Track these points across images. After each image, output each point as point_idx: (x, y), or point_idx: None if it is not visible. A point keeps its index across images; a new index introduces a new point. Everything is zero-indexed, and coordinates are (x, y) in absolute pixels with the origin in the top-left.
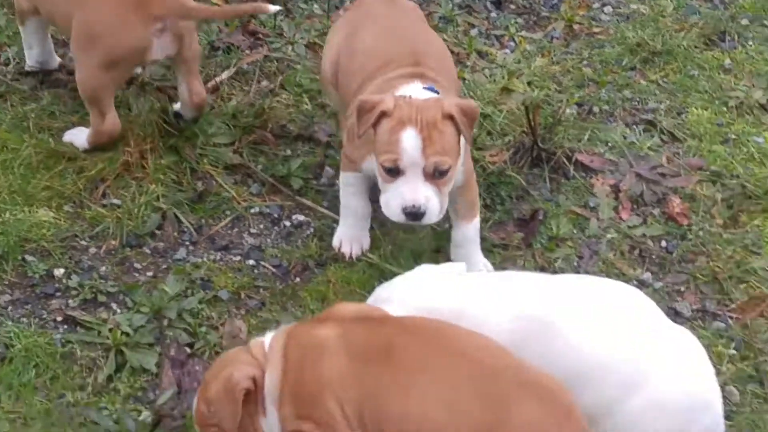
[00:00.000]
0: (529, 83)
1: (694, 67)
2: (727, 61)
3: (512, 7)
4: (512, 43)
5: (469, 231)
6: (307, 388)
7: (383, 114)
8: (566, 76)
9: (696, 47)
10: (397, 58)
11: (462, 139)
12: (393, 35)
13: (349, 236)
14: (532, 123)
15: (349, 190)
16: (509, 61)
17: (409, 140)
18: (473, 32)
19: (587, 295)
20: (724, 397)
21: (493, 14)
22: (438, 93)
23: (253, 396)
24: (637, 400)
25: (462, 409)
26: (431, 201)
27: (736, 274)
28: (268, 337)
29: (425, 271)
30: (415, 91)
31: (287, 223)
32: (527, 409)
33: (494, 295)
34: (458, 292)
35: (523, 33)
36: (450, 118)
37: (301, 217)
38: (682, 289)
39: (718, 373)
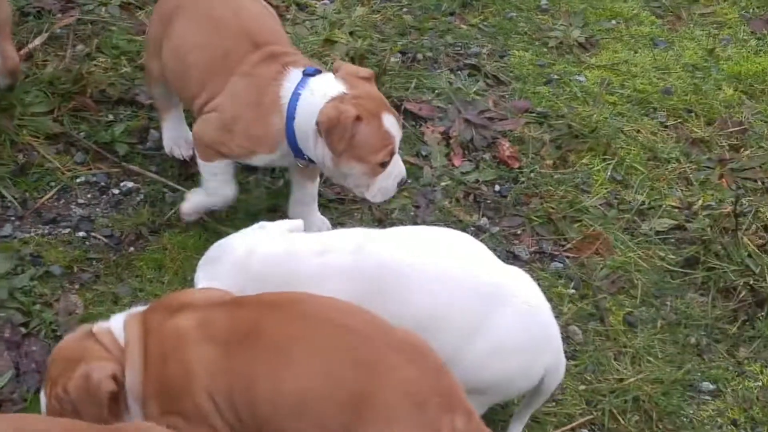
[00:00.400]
0: (351, 33)
1: (512, 9)
2: (544, 1)
3: None
4: None
5: (312, 189)
6: (172, 383)
7: (358, 119)
8: (387, 24)
9: None
10: (234, 47)
11: None
12: (212, 21)
13: None
14: None
15: (218, 179)
16: (329, 11)
17: (392, 124)
18: None
19: (421, 245)
20: (568, 337)
21: None
22: (318, 69)
23: (115, 394)
24: (479, 345)
25: (337, 378)
26: None
27: (569, 213)
28: (115, 324)
29: (264, 228)
30: (309, 80)
31: (116, 191)
32: (401, 371)
33: (331, 250)
34: (291, 251)
35: None
36: (370, 80)
37: (130, 184)
38: (519, 232)
39: (560, 313)
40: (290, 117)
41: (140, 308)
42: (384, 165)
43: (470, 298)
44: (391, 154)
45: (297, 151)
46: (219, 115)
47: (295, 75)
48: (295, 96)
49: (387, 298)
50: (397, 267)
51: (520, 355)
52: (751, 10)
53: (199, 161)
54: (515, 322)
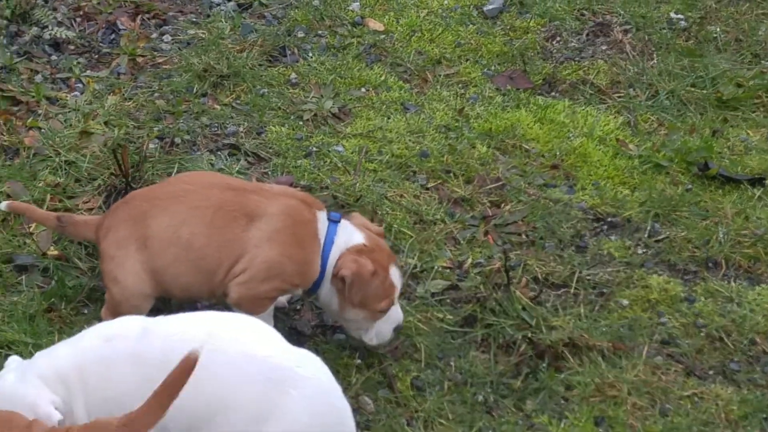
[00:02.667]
0: (106, 123)
1: (264, 85)
2: (293, 75)
3: (71, 47)
4: (80, 85)
5: None
6: None
7: (374, 274)
8: (141, 110)
9: (261, 65)
10: (230, 222)
11: None
12: (191, 214)
13: None
14: (122, 164)
15: (265, 319)
16: (81, 103)
17: (397, 276)
18: (38, 78)
19: (208, 329)
20: (360, 408)
21: (54, 57)
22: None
23: None
24: (271, 430)
25: None
26: None
27: None
28: None
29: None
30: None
31: None
32: None
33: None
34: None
35: (89, 72)
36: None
37: None
38: (298, 306)
39: (349, 384)
40: (324, 257)
41: None
42: (383, 312)
43: (259, 382)
44: (391, 302)
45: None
46: (261, 265)
47: (323, 217)
48: (329, 239)
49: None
50: (182, 353)
51: None
52: (492, 68)
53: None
54: (306, 406)
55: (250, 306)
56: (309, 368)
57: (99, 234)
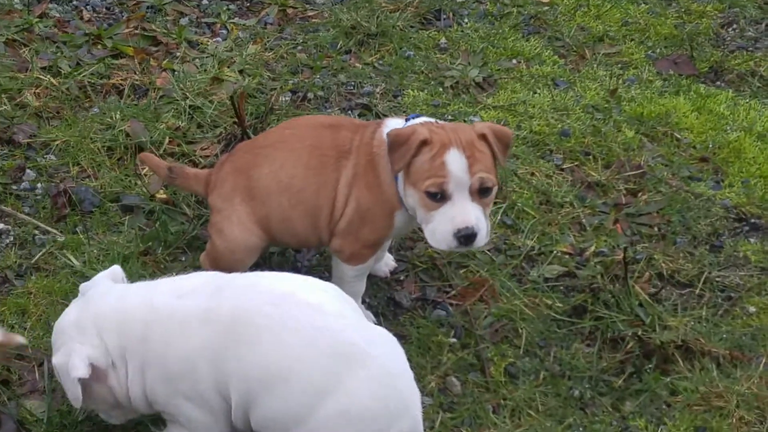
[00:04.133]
0: (241, 71)
1: (410, 47)
2: (443, 40)
3: None
4: (224, 31)
5: None
6: None
7: (423, 143)
8: (280, 62)
9: (411, 27)
10: (324, 162)
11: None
12: (289, 157)
13: None
14: (239, 113)
15: (360, 279)
16: (221, 49)
17: (455, 161)
18: (183, 21)
19: (281, 294)
20: (446, 388)
21: (205, 2)
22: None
23: None
24: (327, 408)
25: None
26: (481, 221)
27: (455, 259)
28: None
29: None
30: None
31: None
32: None
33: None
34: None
35: (236, 20)
36: (484, 138)
37: (1, 225)
38: (402, 278)
39: (439, 363)
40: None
41: None
42: (434, 198)
43: (324, 355)
44: (441, 187)
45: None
46: (356, 212)
47: (393, 122)
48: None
49: (239, 344)
50: (250, 314)
51: (372, 423)
52: (657, 50)
53: (351, 270)
54: (370, 388)
55: (350, 256)
56: (381, 348)
57: (207, 188)
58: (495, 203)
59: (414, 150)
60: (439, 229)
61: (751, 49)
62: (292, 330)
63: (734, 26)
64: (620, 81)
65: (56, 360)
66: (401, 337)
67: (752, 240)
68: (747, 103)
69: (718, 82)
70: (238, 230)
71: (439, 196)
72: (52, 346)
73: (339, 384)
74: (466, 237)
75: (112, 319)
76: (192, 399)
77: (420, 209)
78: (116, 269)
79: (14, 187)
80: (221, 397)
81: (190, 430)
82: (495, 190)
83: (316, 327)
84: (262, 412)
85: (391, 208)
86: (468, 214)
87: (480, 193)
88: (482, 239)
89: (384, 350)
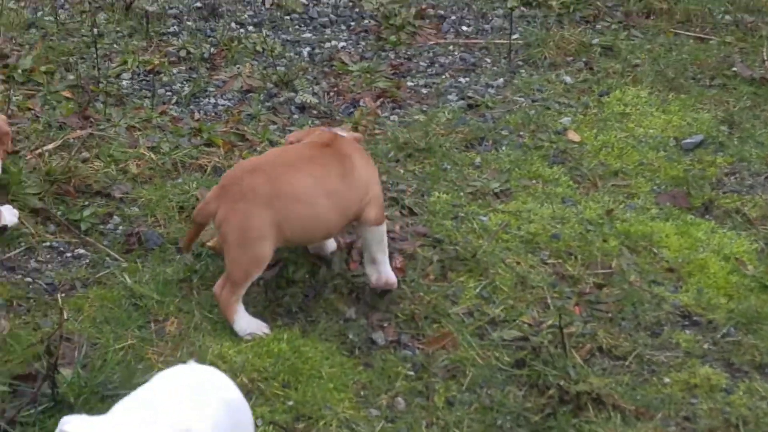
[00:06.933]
0: None
1: (449, 162)
2: (478, 159)
3: (314, 111)
4: None
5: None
6: None
7: None
8: None
9: (456, 148)
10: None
11: None
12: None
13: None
14: None
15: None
16: None
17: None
18: (272, 128)
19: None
20: (393, 406)
21: (296, 116)
22: None
23: None
24: None
25: None
26: None
27: (432, 315)
28: None
29: None
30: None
31: (68, 255)
32: None
33: None
34: None
35: None
36: None
37: (82, 251)
38: (384, 324)
39: (393, 387)
40: None
41: None
42: None
43: None
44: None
45: None
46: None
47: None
48: None
49: None
50: None
51: None
52: (663, 186)
53: (381, 229)
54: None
55: (380, 221)
56: None
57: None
58: (479, 280)
59: None
60: None
61: (744, 192)
62: None
63: (736, 175)
64: (620, 205)
65: None
66: (368, 365)
67: (688, 332)
68: (724, 233)
69: (707, 216)
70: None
71: None
72: None
73: None
74: None
75: None
76: None
77: None
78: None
79: (101, 226)
80: None
81: None
82: None
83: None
84: None
85: None
86: None
87: None
88: None
89: None
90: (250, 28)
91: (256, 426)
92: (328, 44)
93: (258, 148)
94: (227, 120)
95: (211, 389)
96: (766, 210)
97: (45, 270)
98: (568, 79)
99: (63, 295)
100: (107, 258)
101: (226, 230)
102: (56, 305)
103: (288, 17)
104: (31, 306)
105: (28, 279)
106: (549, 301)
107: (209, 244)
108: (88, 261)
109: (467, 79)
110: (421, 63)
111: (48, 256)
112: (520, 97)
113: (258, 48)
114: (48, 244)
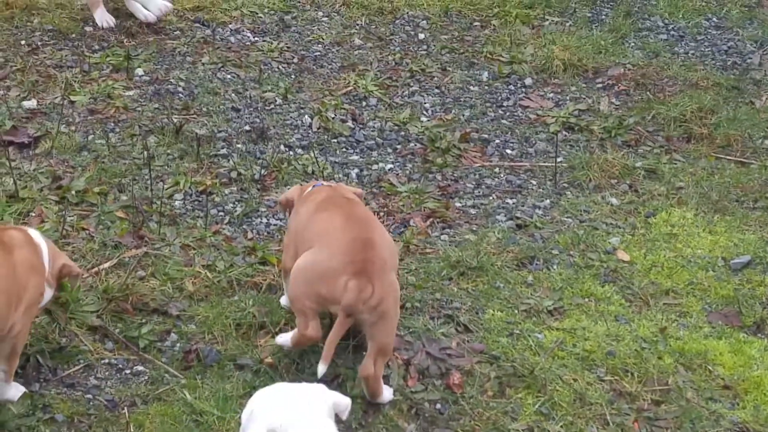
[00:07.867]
0: None
1: (501, 281)
2: (530, 278)
3: None
4: None
5: None
6: None
7: None
8: None
9: (507, 267)
10: None
11: None
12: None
13: None
14: None
15: None
16: None
17: None
18: None
19: None
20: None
21: None
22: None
23: None
24: None
25: None
26: None
27: (492, 431)
28: None
29: None
30: None
31: (128, 371)
32: None
33: None
34: None
35: None
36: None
37: (141, 368)
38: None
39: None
40: None
41: None
42: None
43: None
44: None
45: None
46: None
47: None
48: None
49: None
50: None
51: None
52: (714, 305)
53: None
54: None
55: None
56: None
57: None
58: (537, 397)
59: None
60: None
61: None
62: None
63: None
64: (673, 323)
65: None
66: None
67: None
68: None
69: (759, 334)
70: None
71: None
72: None
73: None
74: None
75: None
76: None
77: None
78: None
79: (159, 343)
80: None
81: None
82: None
83: None
84: None
85: None
86: None
87: None
88: None
89: None
90: (299, 150)
91: None
92: (375, 166)
93: None
94: (280, 239)
95: None
96: None
97: (104, 387)
98: (614, 200)
99: (125, 411)
100: (166, 375)
101: (388, 306)
102: (117, 421)
103: (335, 140)
104: (92, 422)
105: (89, 396)
106: (608, 417)
107: (268, 360)
108: (147, 378)
109: (514, 200)
110: (468, 184)
111: (107, 373)
112: (567, 217)
113: (308, 169)
114: (107, 361)
